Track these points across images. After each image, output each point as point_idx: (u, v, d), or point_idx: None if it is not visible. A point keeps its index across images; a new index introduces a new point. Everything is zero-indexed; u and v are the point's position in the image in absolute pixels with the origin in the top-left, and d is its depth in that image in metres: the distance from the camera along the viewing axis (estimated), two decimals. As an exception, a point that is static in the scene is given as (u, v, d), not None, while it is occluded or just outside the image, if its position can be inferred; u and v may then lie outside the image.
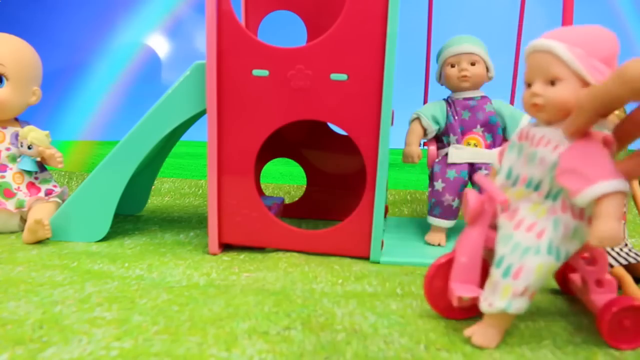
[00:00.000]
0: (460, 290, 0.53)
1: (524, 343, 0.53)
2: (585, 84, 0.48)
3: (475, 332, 0.52)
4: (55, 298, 0.62)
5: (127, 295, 0.64)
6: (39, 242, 0.86)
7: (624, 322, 0.52)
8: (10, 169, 0.92)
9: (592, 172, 0.43)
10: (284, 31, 1.01)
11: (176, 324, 0.56)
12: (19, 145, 0.92)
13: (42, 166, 0.96)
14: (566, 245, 0.49)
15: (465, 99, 0.90)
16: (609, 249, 0.72)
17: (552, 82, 0.49)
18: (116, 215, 0.88)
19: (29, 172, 0.93)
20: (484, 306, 0.51)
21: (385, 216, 0.89)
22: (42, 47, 0.98)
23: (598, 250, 0.55)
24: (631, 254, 0.71)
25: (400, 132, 0.91)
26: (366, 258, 0.80)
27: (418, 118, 0.90)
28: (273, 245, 0.83)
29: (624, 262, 0.68)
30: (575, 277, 0.62)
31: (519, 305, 0.49)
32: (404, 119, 0.93)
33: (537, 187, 0.50)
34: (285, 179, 1.65)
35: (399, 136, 0.90)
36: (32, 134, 0.90)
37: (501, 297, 0.49)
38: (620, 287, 0.65)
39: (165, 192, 1.36)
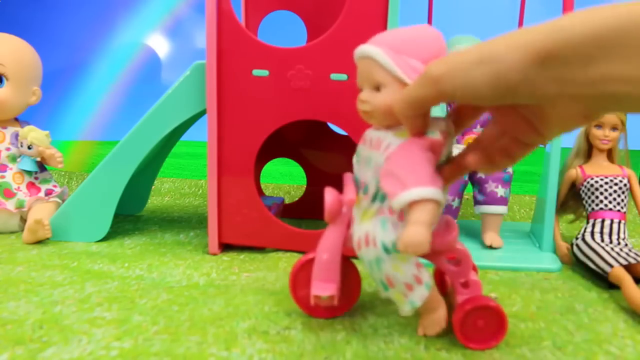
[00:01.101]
0: (318, 289, 0.53)
1: (524, 343, 0.53)
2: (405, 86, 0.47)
3: (424, 326, 0.54)
4: (55, 298, 0.62)
5: (127, 295, 0.64)
6: (39, 242, 0.86)
7: (478, 322, 0.52)
8: (10, 169, 0.92)
9: (409, 177, 0.43)
10: (284, 31, 1.01)
11: (176, 323, 0.56)
12: (19, 145, 0.92)
13: (42, 166, 0.96)
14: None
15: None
16: (608, 249, 0.72)
17: (377, 88, 0.49)
18: (116, 215, 0.88)
19: (29, 172, 0.93)
20: (403, 313, 0.51)
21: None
22: (42, 47, 0.98)
23: (462, 251, 0.55)
24: (631, 254, 0.71)
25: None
26: (366, 258, 0.80)
27: (418, 118, 0.90)
28: (273, 245, 0.83)
29: (624, 262, 0.68)
30: (447, 279, 0.63)
31: (419, 295, 0.50)
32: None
33: (365, 191, 0.51)
34: (285, 179, 1.65)
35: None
36: (32, 134, 0.90)
37: (400, 304, 0.51)
38: (620, 287, 0.65)
39: (165, 192, 1.36)
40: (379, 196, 0.49)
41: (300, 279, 0.58)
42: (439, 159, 0.46)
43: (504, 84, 0.32)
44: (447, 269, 0.54)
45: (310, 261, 0.57)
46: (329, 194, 0.54)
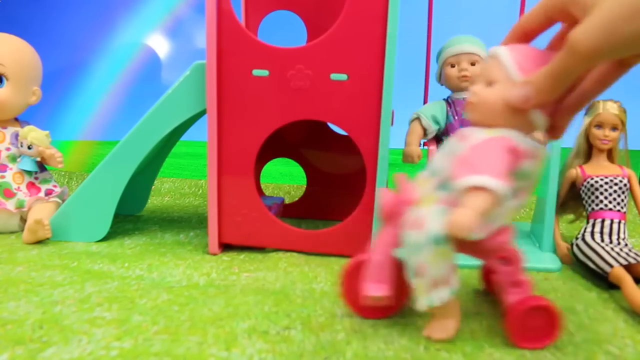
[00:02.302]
0: (371, 289, 0.54)
1: (524, 343, 0.53)
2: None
3: (431, 328, 0.53)
4: (55, 298, 0.62)
5: (127, 295, 0.64)
6: (39, 242, 0.86)
7: (531, 321, 0.52)
8: (10, 169, 0.92)
9: (480, 165, 0.44)
10: (284, 31, 1.01)
11: (176, 323, 0.56)
12: (19, 145, 0.92)
13: (42, 166, 0.96)
14: None
15: (465, 99, 0.90)
16: (608, 249, 0.72)
17: (490, 84, 0.50)
18: (116, 215, 0.88)
19: (29, 172, 0.93)
20: (418, 306, 0.51)
21: (385, 216, 0.89)
22: (42, 47, 0.98)
23: (512, 250, 0.55)
24: (631, 254, 0.71)
25: (400, 132, 0.91)
26: (366, 258, 0.80)
27: (418, 118, 0.90)
28: (273, 245, 0.83)
29: (624, 262, 0.68)
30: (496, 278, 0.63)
31: (440, 296, 0.50)
32: (404, 119, 0.93)
33: (436, 175, 0.51)
34: (285, 179, 1.65)
35: (399, 136, 0.90)
36: (32, 134, 0.90)
37: (420, 296, 0.51)
38: (620, 287, 0.65)
39: (165, 192, 1.36)
40: (447, 185, 0.49)
41: (352, 279, 0.57)
42: (518, 167, 0.47)
43: None
44: (497, 268, 0.54)
45: (362, 262, 0.56)
46: (386, 195, 0.54)
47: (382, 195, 0.54)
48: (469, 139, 0.49)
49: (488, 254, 0.54)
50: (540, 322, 0.52)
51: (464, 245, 0.51)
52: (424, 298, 0.50)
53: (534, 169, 0.49)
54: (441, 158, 0.52)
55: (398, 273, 0.54)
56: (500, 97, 0.48)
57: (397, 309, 0.59)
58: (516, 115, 0.47)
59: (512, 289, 0.54)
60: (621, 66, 0.43)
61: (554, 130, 0.49)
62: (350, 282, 0.58)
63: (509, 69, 0.48)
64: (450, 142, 0.53)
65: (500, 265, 0.55)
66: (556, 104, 0.47)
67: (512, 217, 0.52)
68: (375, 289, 0.53)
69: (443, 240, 0.48)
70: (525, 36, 0.47)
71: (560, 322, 0.52)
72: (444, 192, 0.49)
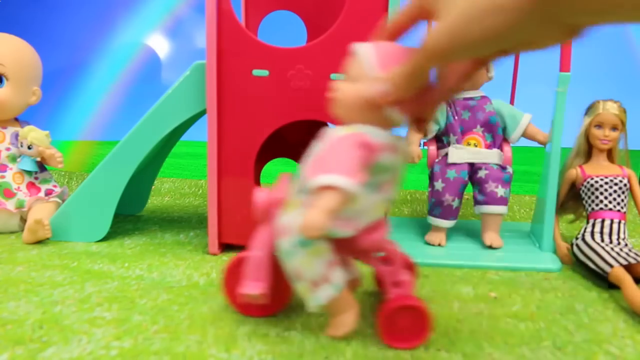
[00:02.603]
0: (248, 287, 0.54)
1: (524, 343, 0.53)
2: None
3: (331, 326, 0.53)
4: (55, 298, 0.62)
5: (127, 295, 0.64)
6: (39, 242, 0.86)
7: (400, 321, 0.52)
8: (10, 169, 0.92)
9: (331, 164, 0.45)
10: (284, 31, 1.01)
11: (176, 323, 0.56)
12: (19, 145, 0.91)
13: (42, 166, 0.96)
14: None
15: (465, 99, 0.90)
16: (608, 249, 0.72)
17: (353, 81, 0.50)
18: (116, 215, 0.88)
19: (29, 172, 0.93)
20: (309, 308, 0.52)
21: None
22: (42, 47, 0.98)
23: (393, 251, 0.55)
24: (631, 254, 0.71)
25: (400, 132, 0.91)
26: (366, 258, 0.80)
27: (418, 118, 0.90)
28: (273, 245, 0.83)
29: (624, 262, 0.68)
30: (379, 278, 0.63)
31: (325, 295, 0.50)
32: (404, 119, 0.92)
33: (296, 181, 0.52)
34: (285, 179, 1.65)
35: (399, 136, 0.90)
36: (32, 134, 0.90)
37: (306, 298, 0.51)
38: (620, 287, 0.65)
39: (165, 192, 1.36)
40: (305, 188, 0.49)
41: (233, 277, 0.58)
42: (373, 161, 0.47)
43: (505, 31, 0.31)
44: (378, 268, 0.55)
45: (243, 260, 0.56)
46: (259, 193, 0.54)
47: (256, 195, 0.54)
48: (326, 139, 0.50)
49: (365, 253, 0.55)
50: (409, 323, 0.52)
51: (340, 245, 0.51)
52: (310, 299, 0.51)
53: (393, 162, 0.50)
54: (305, 162, 0.53)
55: (278, 271, 0.55)
56: (359, 93, 0.48)
57: (279, 307, 0.59)
58: (373, 111, 0.48)
59: (393, 289, 0.55)
60: (477, 63, 0.43)
61: (419, 123, 0.49)
62: (231, 280, 0.58)
63: (369, 66, 0.48)
64: (314, 146, 0.54)
65: (382, 266, 0.55)
66: (418, 99, 0.47)
67: (381, 212, 0.52)
68: (252, 287, 0.53)
69: (310, 242, 0.48)
70: (392, 34, 0.48)
71: (429, 323, 0.52)
72: (304, 195, 0.50)
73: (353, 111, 0.49)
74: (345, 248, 0.52)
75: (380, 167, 0.48)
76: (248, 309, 0.58)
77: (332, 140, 0.48)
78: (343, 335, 0.52)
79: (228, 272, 0.58)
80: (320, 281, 0.50)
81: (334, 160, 0.46)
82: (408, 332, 0.52)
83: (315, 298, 0.50)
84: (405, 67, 0.41)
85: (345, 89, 0.50)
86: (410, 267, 0.60)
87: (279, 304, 0.59)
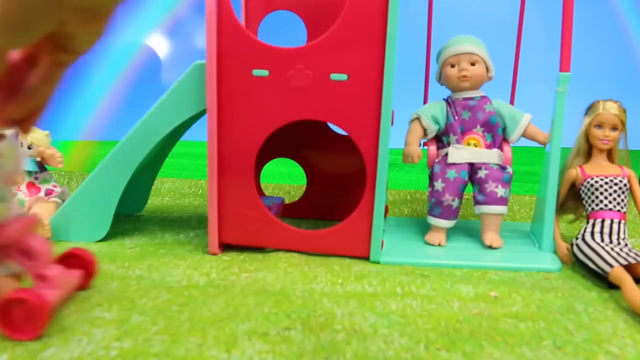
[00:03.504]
0: None
1: (524, 343, 0.53)
2: None
3: None
4: (55, 298, 0.62)
5: (127, 295, 0.64)
6: (39, 242, 0.86)
7: (15, 312, 0.52)
8: (10, 169, 0.92)
9: None
10: (284, 31, 1.01)
11: (176, 324, 0.56)
12: (19, 145, 0.91)
13: (42, 166, 0.96)
14: None
15: (465, 99, 0.90)
16: (608, 249, 0.72)
17: None
18: (116, 215, 0.88)
19: (29, 172, 0.93)
20: None
21: (385, 216, 0.89)
22: (42, 47, 0.98)
23: (36, 247, 0.56)
24: (631, 254, 0.71)
25: (400, 132, 0.91)
26: (366, 258, 0.80)
27: (418, 118, 0.90)
28: (273, 245, 0.83)
29: (623, 262, 0.68)
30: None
31: None
32: (404, 119, 0.93)
33: None
34: (285, 179, 1.65)
35: (399, 136, 0.90)
36: (32, 134, 0.90)
37: None
38: (620, 287, 0.65)
39: (165, 192, 1.36)
40: None
41: None
42: None
43: None
44: (21, 263, 0.56)
45: None
46: None
47: None
48: None
49: (7, 249, 0.55)
50: (23, 315, 0.52)
51: None
52: None
53: None
54: None
55: None
56: None
57: None
58: None
59: (39, 283, 0.55)
60: (58, 64, 0.36)
61: (21, 124, 0.43)
62: None
63: None
64: None
65: (25, 260, 0.56)
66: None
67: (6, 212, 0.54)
68: None
69: None
70: None
71: (43, 317, 0.52)
72: None
73: None
74: None
75: None
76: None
77: None
78: None
79: None
80: None
81: None
82: (23, 323, 0.52)
83: None
84: None
85: None
86: (91, 267, 0.64)
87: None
